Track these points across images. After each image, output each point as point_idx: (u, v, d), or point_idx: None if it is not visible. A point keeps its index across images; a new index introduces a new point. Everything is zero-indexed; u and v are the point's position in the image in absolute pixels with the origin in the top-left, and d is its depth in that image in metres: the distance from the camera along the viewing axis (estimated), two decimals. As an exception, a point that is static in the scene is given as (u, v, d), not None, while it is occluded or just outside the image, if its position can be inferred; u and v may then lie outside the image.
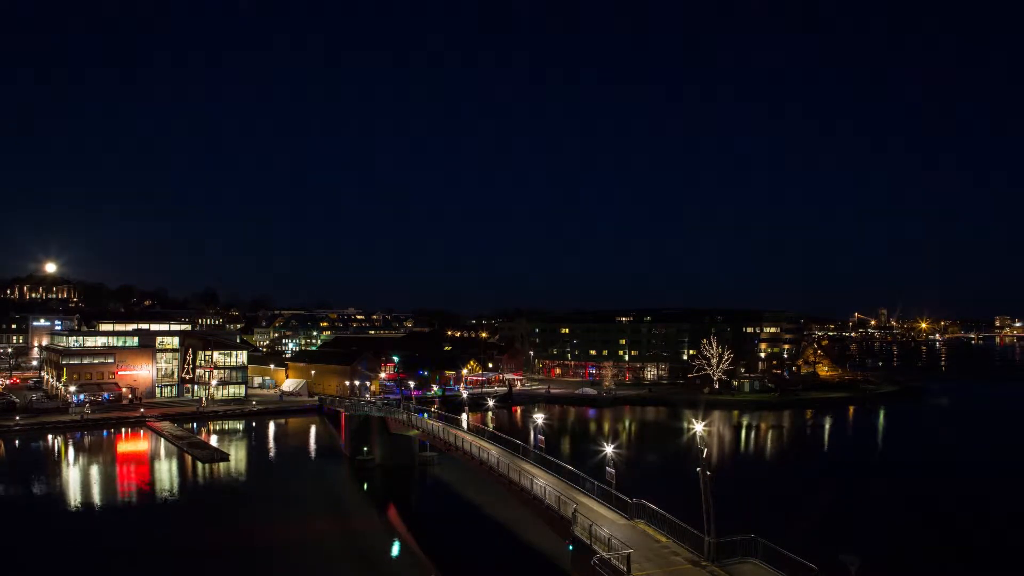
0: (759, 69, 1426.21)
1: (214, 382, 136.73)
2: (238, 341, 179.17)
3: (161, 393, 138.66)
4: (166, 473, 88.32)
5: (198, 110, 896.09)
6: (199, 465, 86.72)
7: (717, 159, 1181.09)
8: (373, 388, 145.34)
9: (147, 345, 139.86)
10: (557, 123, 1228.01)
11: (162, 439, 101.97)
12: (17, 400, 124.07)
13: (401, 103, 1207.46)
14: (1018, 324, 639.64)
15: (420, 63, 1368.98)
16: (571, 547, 38.28)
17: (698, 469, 34.58)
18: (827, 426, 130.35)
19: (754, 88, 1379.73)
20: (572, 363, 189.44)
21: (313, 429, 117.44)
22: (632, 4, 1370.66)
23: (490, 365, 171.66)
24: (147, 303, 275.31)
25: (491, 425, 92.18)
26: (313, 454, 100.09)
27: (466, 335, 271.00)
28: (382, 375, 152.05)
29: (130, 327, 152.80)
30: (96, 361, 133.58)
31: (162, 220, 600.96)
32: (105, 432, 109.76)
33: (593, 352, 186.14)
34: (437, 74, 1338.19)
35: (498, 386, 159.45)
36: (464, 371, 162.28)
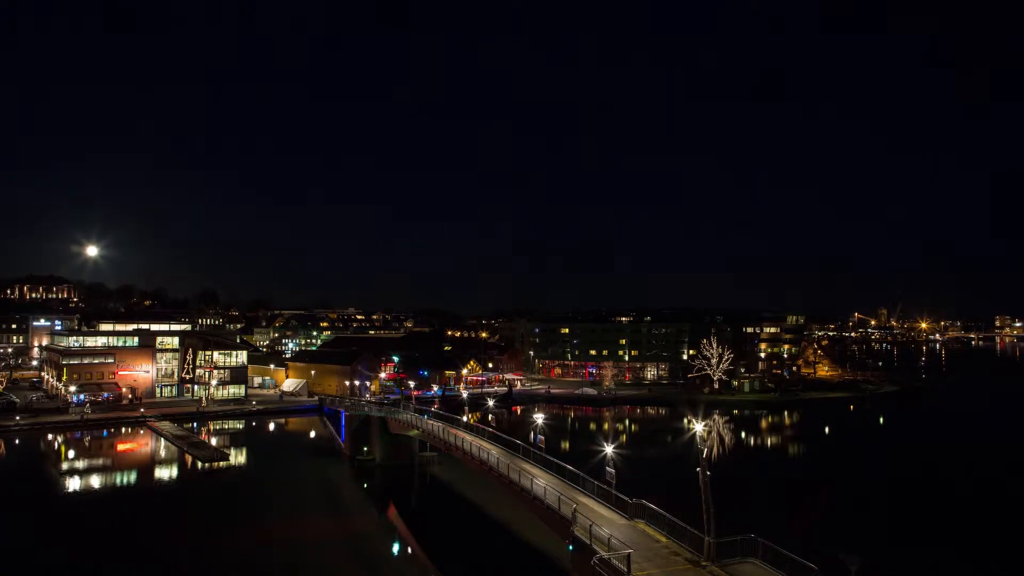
0: (759, 68, 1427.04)
1: (214, 382, 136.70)
2: (238, 341, 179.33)
3: (161, 393, 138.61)
4: (166, 473, 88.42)
5: (197, 109, 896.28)
6: (199, 465, 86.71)
7: (717, 158, 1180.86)
8: (373, 388, 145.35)
9: (147, 345, 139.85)
10: (558, 124, 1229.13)
11: (162, 439, 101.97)
12: (17, 400, 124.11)
13: (400, 104, 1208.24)
14: (1018, 324, 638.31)
15: (420, 63, 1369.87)
16: (571, 547, 38.31)
17: (698, 469, 34.60)
18: (827, 426, 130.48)
19: (755, 87, 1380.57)
20: (572, 363, 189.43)
21: (313, 429, 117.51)
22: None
23: (490, 365, 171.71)
24: (147, 303, 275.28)
25: (491, 425, 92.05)
26: (313, 454, 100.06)
27: (466, 335, 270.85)
28: (382, 375, 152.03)
29: (130, 327, 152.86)
30: (96, 361, 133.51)
31: (163, 219, 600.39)
32: (105, 432, 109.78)
33: (593, 352, 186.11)
34: (437, 75, 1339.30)
35: (498, 386, 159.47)
36: (464, 371, 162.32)
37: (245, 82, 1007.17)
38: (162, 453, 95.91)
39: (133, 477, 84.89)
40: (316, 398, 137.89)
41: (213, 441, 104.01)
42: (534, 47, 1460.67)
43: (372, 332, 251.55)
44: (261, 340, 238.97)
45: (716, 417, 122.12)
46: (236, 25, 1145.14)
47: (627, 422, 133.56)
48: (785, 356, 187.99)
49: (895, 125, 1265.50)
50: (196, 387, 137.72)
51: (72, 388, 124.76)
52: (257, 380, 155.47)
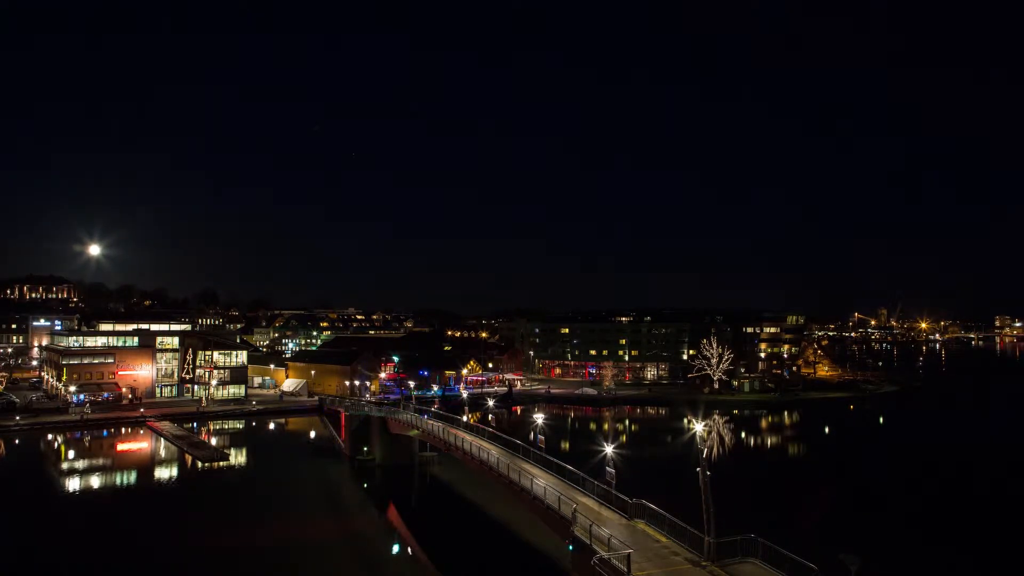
0: (760, 71, 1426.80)
1: (214, 382, 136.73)
2: (238, 341, 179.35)
3: (161, 393, 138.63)
4: (166, 473, 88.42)
5: (197, 108, 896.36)
6: (199, 465, 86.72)
7: (718, 158, 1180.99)
8: (373, 388, 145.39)
9: (147, 345, 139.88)
10: (559, 124, 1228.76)
11: (162, 439, 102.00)
12: (17, 400, 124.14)
13: (397, 102, 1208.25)
14: (1018, 324, 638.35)
15: (421, 59, 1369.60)
16: (571, 547, 38.32)
17: (698, 469, 34.63)
18: (827, 426, 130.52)
19: (756, 87, 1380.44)
20: (572, 363, 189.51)
21: (313, 429, 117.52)
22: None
23: (490, 365, 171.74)
24: (147, 303, 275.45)
25: (491, 425, 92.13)
26: (313, 454, 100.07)
27: (466, 335, 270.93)
28: (382, 375, 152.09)
29: (130, 327, 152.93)
30: (96, 361, 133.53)
31: (163, 220, 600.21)
32: (105, 432, 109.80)
33: (593, 352, 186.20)
34: (438, 76, 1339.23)
35: (498, 386, 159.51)
36: (464, 371, 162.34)
37: (245, 83, 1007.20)
38: (162, 453, 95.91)
39: (133, 477, 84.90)
40: (316, 398, 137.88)
41: (213, 441, 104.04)
42: (535, 48, 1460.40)
43: (372, 332, 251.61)
44: (261, 340, 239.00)
45: (716, 417, 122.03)
46: (238, 29, 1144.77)
47: (627, 422, 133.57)
48: (785, 356, 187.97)
49: (896, 125, 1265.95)
50: (196, 387, 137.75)
51: (72, 388, 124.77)
52: (257, 380, 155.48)
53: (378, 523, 67.21)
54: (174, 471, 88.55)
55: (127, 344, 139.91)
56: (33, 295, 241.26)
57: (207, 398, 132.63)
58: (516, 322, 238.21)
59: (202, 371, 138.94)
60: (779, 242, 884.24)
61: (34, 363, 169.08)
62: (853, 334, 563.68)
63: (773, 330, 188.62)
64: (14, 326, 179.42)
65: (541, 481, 47.33)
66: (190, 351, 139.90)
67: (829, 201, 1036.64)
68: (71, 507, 71.74)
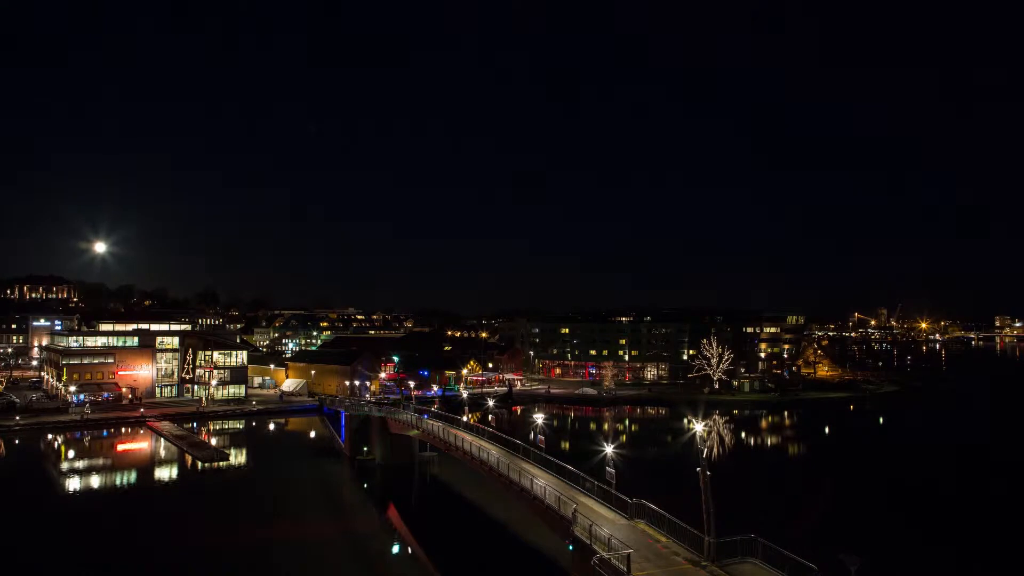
0: (761, 69, 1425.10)
1: (214, 382, 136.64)
2: (238, 341, 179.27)
3: (161, 393, 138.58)
4: (166, 473, 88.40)
5: (198, 108, 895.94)
6: (199, 465, 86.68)
7: (716, 158, 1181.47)
8: (373, 388, 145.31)
9: (147, 345, 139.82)
10: (556, 128, 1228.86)
11: (162, 439, 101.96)
12: (17, 400, 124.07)
13: (398, 103, 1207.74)
14: (1018, 324, 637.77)
15: (421, 59, 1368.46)
16: (571, 547, 38.33)
17: (698, 469, 34.62)
18: (827, 426, 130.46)
19: (757, 86, 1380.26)
20: (572, 363, 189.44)
21: (313, 429, 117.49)
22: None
23: (490, 365, 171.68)
24: (147, 303, 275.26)
25: (491, 425, 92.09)
26: (313, 454, 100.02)
27: (466, 335, 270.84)
28: (382, 375, 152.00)
29: (130, 327, 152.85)
30: (96, 361, 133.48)
31: (163, 219, 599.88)
32: (105, 432, 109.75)
33: (593, 352, 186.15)
34: (438, 76, 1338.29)
35: (498, 386, 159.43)
36: (464, 371, 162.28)
37: (245, 83, 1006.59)
38: (162, 453, 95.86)
39: (133, 477, 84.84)
40: (316, 398, 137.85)
41: (213, 441, 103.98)
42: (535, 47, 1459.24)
43: (372, 332, 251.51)
44: (261, 340, 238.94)
45: (716, 417, 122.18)
46: (238, 29, 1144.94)
47: (627, 422, 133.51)
48: (785, 356, 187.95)
49: (896, 124, 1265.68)
50: (196, 387, 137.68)
51: (72, 388, 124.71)
52: (257, 380, 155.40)
53: (378, 523, 67.18)
54: (174, 471, 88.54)
55: (127, 344, 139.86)
56: (33, 295, 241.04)
57: (207, 398, 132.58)
58: (516, 322, 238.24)
59: (202, 371, 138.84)
60: (779, 242, 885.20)
61: (34, 363, 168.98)
62: (853, 334, 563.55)
63: (773, 330, 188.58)
64: (14, 326, 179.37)
65: (541, 481, 47.32)
66: (190, 351, 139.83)
67: (829, 201, 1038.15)
68: (71, 507, 71.71)
